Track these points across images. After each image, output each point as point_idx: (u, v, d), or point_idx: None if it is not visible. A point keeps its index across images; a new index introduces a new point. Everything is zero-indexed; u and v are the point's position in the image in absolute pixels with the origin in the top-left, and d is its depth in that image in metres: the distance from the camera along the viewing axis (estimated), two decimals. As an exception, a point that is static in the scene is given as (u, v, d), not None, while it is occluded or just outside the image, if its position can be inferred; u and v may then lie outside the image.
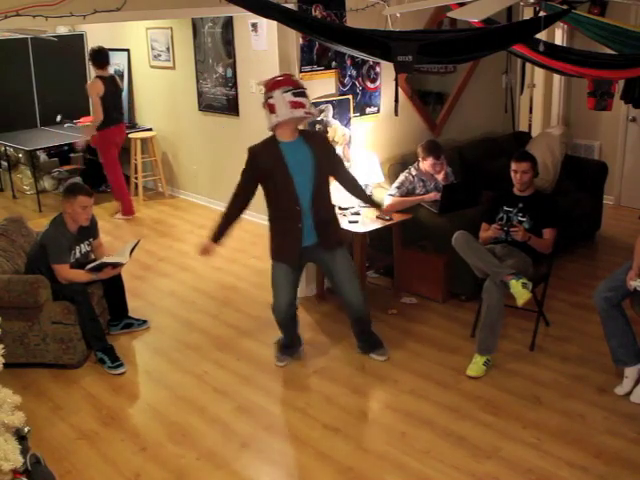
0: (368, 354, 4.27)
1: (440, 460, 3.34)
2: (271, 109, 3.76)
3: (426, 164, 5.08)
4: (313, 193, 3.85)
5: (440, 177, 5.14)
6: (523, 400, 3.82)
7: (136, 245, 4.59)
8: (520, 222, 4.31)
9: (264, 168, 3.85)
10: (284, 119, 3.74)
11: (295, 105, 3.71)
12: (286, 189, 3.82)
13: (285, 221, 3.92)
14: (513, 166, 4.40)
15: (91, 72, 8.78)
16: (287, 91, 3.71)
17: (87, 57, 7.19)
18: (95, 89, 6.85)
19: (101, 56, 6.94)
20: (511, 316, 4.54)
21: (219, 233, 4.01)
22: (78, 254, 4.45)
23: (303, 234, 3.90)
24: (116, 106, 7.10)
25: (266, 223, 7.00)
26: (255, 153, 3.91)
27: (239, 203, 4.00)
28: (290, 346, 4.30)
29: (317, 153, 3.85)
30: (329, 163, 3.96)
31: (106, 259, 4.44)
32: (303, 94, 3.76)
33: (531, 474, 3.23)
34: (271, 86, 3.79)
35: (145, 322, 4.87)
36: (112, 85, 6.99)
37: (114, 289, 4.70)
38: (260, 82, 3.98)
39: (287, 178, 3.80)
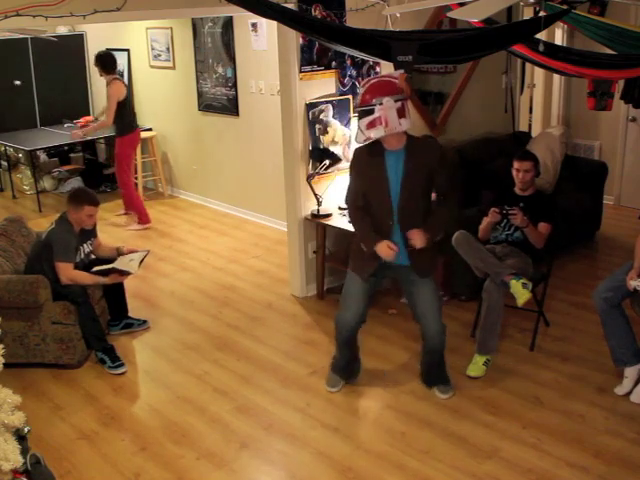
0: (430, 388, 3.93)
1: (440, 460, 3.34)
2: None
3: None
4: (399, 209, 3.53)
5: None
6: (523, 400, 3.82)
7: (145, 256, 4.59)
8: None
9: (364, 170, 3.61)
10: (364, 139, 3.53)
11: (368, 127, 3.43)
12: (381, 204, 3.55)
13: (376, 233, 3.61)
14: (515, 165, 4.40)
15: (91, 72, 8.83)
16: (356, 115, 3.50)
17: (93, 62, 6.67)
18: (117, 92, 6.51)
19: (112, 59, 6.65)
20: (511, 316, 4.54)
21: (373, 236, 3.59)
22: (82, 254, 4.45)
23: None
24: (133, 110, 6.89)
25: (266, 224, 7.05)
26: (358, 153, 3.65)
27: (362, 212, 3.68)
28: (346, 368, 4.00)
29: (413, 165, 3.49)
30: (426, 178, 3.52)
31: (117, 265, 4.41)
32: (358, 114, 3.50)
33: (531, 474, 3.23)
34: None
35: (145, 322, 4.87)
36: (126, 88, 6.81)
37: (114, 289, 4.70)
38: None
39: (384, 189, 3.51)
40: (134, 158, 7.12)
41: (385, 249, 3.52)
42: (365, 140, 3.50)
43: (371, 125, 3.43)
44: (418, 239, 3.49)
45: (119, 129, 6.70)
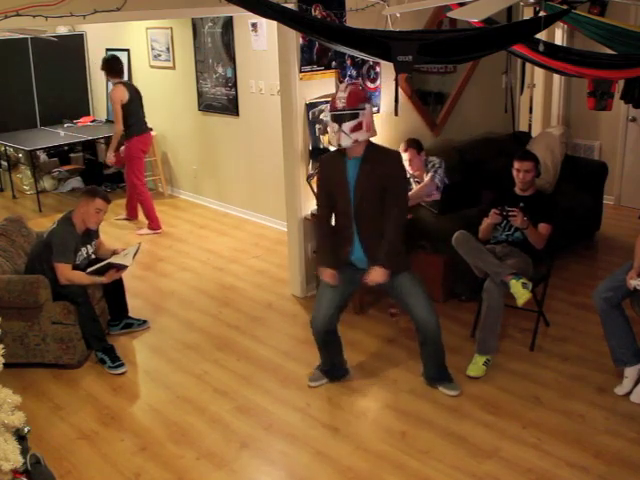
0: (435, 387, 3.91)
1: (440, 460, 3.34)
2: None
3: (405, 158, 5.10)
4: (355, 214, 3.61)
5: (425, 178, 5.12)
6: (523, 400, 3.82)
7: (137, 250, 4.59)
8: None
9: (329, 177, 3.71)
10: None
11: (329, 127, 3.59)
12: (344, 210, 3.64)
13: (338, 237, 3.74)
14: (516, 165, 4.40)
15: (91, 72, 8.83)
16: (328, 114, 3.61)
17: (100, 66, 6.67)
18: (119, 95, 6.49)
19: (117, 63, 6.64)
20: (511, 316, 4.54)
21: (328, 258, 3.75)
22: (85, 255, 4.46)
23: (352, 256, 3.70)
24: (142, 113, 6.75)
25: (266, 224, 7.05)
26: (322, 162, 3.82)
27: (329, 222, 3.81)
28: (329, 372, 4.04)
29: (368, 171, 3.56)
30: (380, 185, 3.57)
31: (112, 260, 4.41)
32: (332, 118, 3.54)
33: (531, 474, 3.23)
34: None
35: (145, 322, 4.87)
36: (135, 91, 6.70)
37: (114, 289, 4.70)
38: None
39: (347, 198, 3.61)
40: (145, 161, 7.00)
41: (326, 276, 3.69)
42: (353, 143, 3.51)
43: (355, 129, 3.49)
44: (377, 278, 3.61)
45: (126, 131, 6.64)
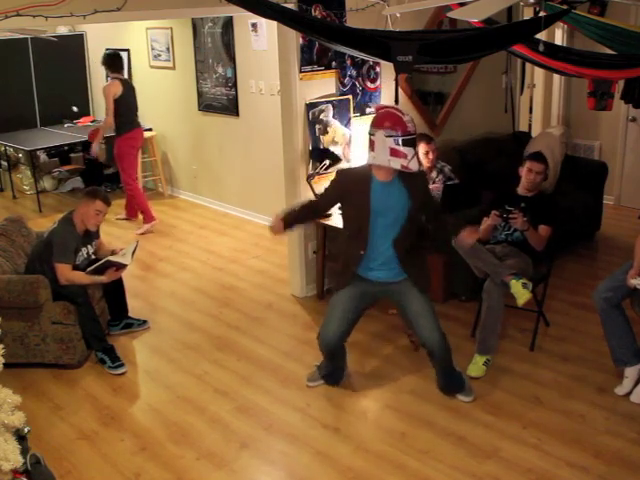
0: (450, 396, 3.86)
1: (440, 460, 3.34)
2: (371, 146, 3.41)
3: (420, 153, 5.08)
4: (396, 238, 3.53)
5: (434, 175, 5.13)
6: (523, 400, 3.82)
7: (136, 248, 4.59)
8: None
9: (347, 194, 3.56)
10: (379, 164, 3.42)
11: (394, 153, 3.33)
12: (359, 229, 3.55)
13: (348, 256, 3.68)
14: (528, 164, 4.38)
15: (91, 72, 8.83)
16: (390, 136, 3.32)
17: (100, 62, 6.71)
18: (112, 90, 6.52)
19: (118, 60, 6.74)
20: (511, 316, 4.54)
21: (291, 220, 3.69)
22: (85, 255, 4.46)
23: (362, 274, 3.64)
24: (135, 109, 6.78)
25: (266, 224, 7.04)
26: (344, 176, 3.64)
27: (313, 210, 3.83)
28: (327, 376, 4.02)
29: (411, 197, 3.49)
30: (421, 207, 3.57)
31: (111, 258, 4.41)
32: (409, 142, 3.34)
33: (531, 474, 3.23)
34: (376, 123, 3.40)
35: (145, 322, 4.87)
36: (129, 87, 6.71)
37: (114, 289, 4.70)
38: (375, 106, 3.70)
39: (364, 220, 3.50)
40: (137, 157, 7.02)
41: (273, 223, 3.65)
42: (418, 168, 3.48)
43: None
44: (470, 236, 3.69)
45: (116, 127, 6.66)
